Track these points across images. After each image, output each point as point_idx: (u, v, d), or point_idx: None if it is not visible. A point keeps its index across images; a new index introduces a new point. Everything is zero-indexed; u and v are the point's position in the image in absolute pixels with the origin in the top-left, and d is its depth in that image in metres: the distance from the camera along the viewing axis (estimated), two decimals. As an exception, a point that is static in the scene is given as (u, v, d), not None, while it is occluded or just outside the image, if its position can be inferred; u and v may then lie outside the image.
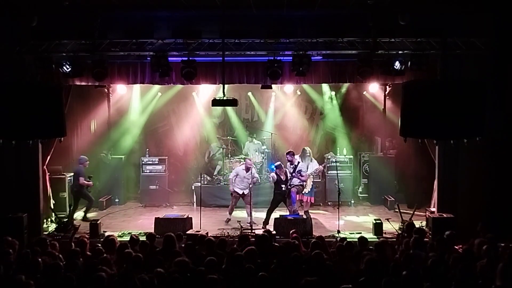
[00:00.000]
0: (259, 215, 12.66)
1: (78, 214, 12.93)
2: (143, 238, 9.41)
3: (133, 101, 15.12)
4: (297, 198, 12.66)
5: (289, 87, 14.82)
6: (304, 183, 12.57)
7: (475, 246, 8.04)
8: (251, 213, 12.34)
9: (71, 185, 13.07)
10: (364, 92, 15.15)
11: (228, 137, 15.58)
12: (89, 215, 12.94)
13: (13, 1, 10.30)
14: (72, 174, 13.24)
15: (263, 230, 10.77)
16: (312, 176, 12.96)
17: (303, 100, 15.85)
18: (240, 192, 12.53)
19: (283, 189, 12.26)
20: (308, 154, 12.95)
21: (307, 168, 12.70)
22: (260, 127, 15.98)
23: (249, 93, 15.70)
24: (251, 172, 12.53)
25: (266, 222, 12.19)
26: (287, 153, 12.72)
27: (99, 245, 8.46)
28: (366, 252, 7.71)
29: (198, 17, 11.27)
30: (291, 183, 12.42)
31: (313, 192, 13.18)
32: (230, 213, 12.71)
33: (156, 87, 14.46)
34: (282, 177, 12.33)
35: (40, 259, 7.29)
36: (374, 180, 14.60)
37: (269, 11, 11.35)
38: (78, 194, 12.83)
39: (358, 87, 14.94)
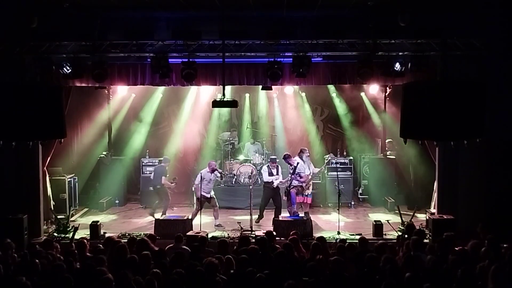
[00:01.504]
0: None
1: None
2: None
3: (133, 102, 15.14)
4: (297, 200, 12.67)
5: (289, 88, 14.85)
6: (304, 184, 12.56)
7: (475, 247, 8.04)
8: (217, 216, 12.47)
9: (152, 183, 13.30)
10: (362, 94, 15.15)
11: (229, 138, 15.57)
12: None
13: (13, 2, 10.33)
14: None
15: (263, 232, 10.77)
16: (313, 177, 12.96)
17: (305, 102, 15.81)
18: (208, 196, 12.40)
19: (273, 184, 12.41)
20: (308, 155, 12.94)
21: (309, 169, 12.70)
22: (260, 129, 15.98)
23: (247, 94, 15.69)
24: (215, 174, 12.52)
25: (260, 217, 12.46)
26: (284, 158, 12.73)
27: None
28: (370, 253, 7.70)
29: (198, 18, 11.29)
30: (291, 184, 12.45)
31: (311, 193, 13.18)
32: (193, 219, 12.17)
33: (159, 88, 14.47)
34: (273, 171, 12.46)
35: (38, 261, 7.29)
36: (374, 181, 14.57)
37: (269, 12, 11.39)
38: (160, 192, 13.15)
39: (358, 88, 14.93)
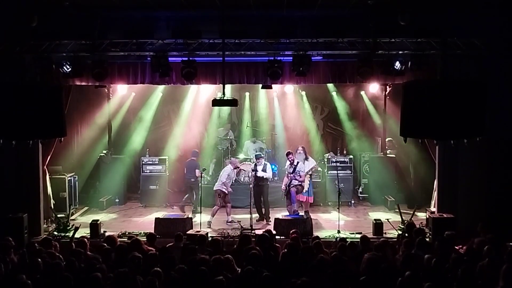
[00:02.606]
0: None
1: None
2: (143, 239, 9.47)
3: (133, 101, 15.15)
4: (300, 199, 12.69)
5: (289, 87, 14.85)
6: (303, 183, 12.58)
7: (475, 246, 8.05)
8: (230, 212, 12.59)
9: (186, 178, 13.58)
10: (362, 92, 15.16)
11: (229, 137, 15.59)
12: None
13: (13, 2, 10.33)
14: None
15: (263, 230, 10.78)
16: (309, 176, 12.95)
17: (305, 101, 15.81)
18: (227, 192, 12.57)
19: (257, 173, 12.51)
20: (299, 152, 12.94)
21: (304, 167, 12.71)
22: (260, 127, 15.98)
23: (247, 93, 15.69)
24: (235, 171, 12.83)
25: (261, 217, 12.53)
26: (287, 155, 12.77)
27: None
28: (368, 252, 7.72)
29: (198, 17, 11.29)
30: (291, 183, 12.45)
31: (312, 191, 13.18)
32: (213, 215, 12.48)
33: (159, 87, 14.47)
34: (258, 167, 12.58)
35: (39, 260, 7.30)
36: (374, 180, 14.57)
37: (269, 11, 11.38)
38: (194, 186, 13.43)
39: (358, 87, 14.94)
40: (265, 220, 12.60)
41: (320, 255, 7.45)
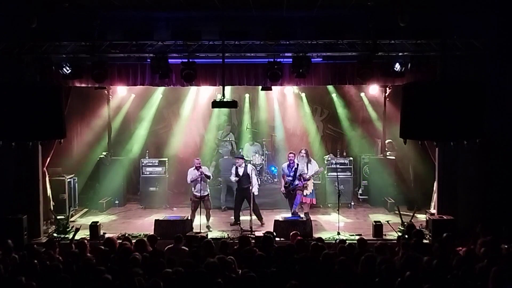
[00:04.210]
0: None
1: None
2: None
3: (133, 102, 15.14)
4: (303, 201, 12.69)
5: (289, 89, 14.84)
6: (305, 183, 12.55)
7: (475, 247, 8.04)
8: (208, 218, 12.29)
9: (223, 177, 13.70)
10: (362, 94, 15.16)
11: (228, 139, 15.58)
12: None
13: (13, 2, 10.33)
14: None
15: (263, 232, 10.76)
16: (312, 177, 12.93)
17: (305, 102, 15.80)
18: (198, 194, 12.09)
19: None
20: (303, 155, 12.90)
21: (307, 170, 12.67)
22: (260, 129, 15.97)
23: (247, 95, 15.69)
24: (202, 171, 12.16)
25: (236, 219, 12.33)
26: (288, 154, 12.75)
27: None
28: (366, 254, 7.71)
29: (197, 18, 11.28)
30: (294, 186, 12.41)
31: (314, 193, 13.17)
32: (192, 219, 12.10)
33: (159, 88, 14.47)
34: (240, 170, 12.35)
35: (36, 261, 7.29)
36: (374, 182, 14.57)
37: (268, 12, 11.39)
38: (233, 184, 13.33)
39: (358, 89, 14.94)
40: (257, 223, 12.37)
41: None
